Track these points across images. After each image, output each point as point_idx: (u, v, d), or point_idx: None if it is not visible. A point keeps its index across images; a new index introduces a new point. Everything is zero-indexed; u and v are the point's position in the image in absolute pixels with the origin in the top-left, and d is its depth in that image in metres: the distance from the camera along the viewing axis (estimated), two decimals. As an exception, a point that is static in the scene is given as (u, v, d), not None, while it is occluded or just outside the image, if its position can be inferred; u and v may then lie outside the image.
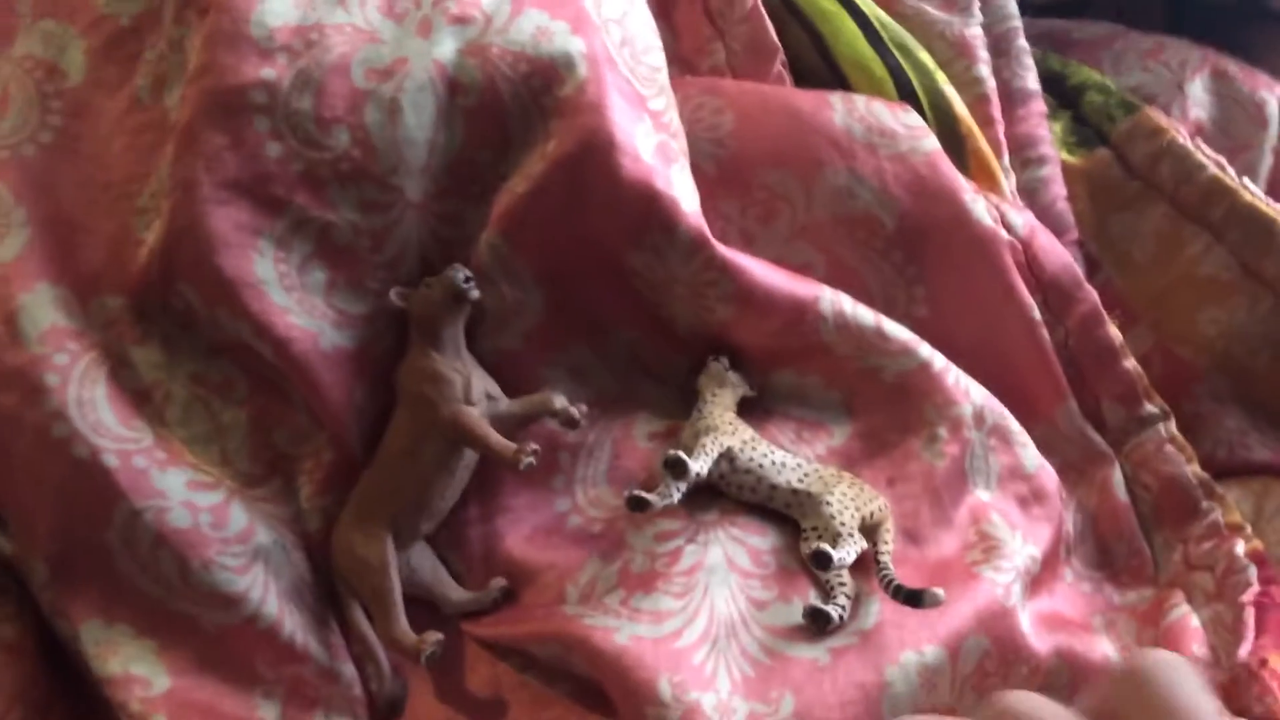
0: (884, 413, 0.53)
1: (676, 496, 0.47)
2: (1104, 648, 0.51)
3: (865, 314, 0.53)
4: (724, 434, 0.49)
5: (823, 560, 0.46)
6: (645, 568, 0.48)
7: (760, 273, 0.51)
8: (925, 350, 0.53)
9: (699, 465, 0.47)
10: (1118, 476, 0.56)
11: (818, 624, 0.46)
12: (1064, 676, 0.50)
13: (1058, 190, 0.66)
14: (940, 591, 0.46)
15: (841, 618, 0.46)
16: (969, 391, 0.53)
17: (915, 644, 0.46)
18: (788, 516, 0.50)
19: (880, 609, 0.47)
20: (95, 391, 0.47)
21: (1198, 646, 0.49)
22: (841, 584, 0.47)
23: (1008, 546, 0.51)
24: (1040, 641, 0.49)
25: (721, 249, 0.50)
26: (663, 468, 0.47)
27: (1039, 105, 0.68)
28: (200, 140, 0.47)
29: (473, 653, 0.50)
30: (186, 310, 0.48)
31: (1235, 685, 0.45)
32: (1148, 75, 0.73)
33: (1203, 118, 0.72)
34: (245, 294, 0.47)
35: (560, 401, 0.50)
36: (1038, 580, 0.53)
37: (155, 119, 0.50)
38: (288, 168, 0.47)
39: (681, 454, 0.47)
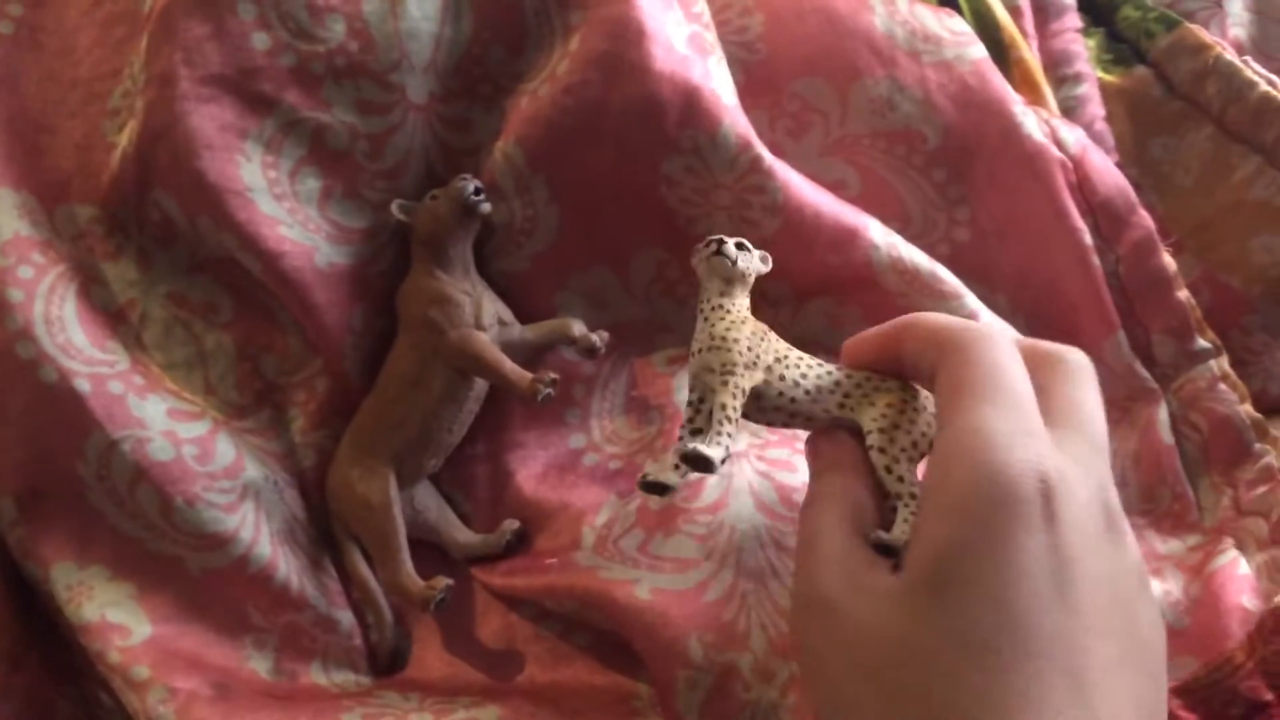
0: None
1: (717, 458, 0.39)
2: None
3: (919, 255, 0.49)
4: (740, 375, 0.39)
5: (885, 551, 0.36)
6: (664, 503, 0.44)
7: (805, 188, 0.47)
8: (972, 301, 0.49)
9: (721, 453, 0.38)
10: (1163, 415, 0.52)
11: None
12: None
13: (1095, 110, 0.62)
14: None
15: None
16: None
17: None
18: None
19: None
20: (64, 309, 0.42)
21: (1248, 597, 0.46)
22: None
23: None
24: None
25: (766, 153, 0.46)
26: (681, 462, 0.39)
27: (1074, 19, 0.64)
28: (178, 30, 0.42)
29: (483, 601, 0.47)
30: (164, 221, 0.43)
31: (1259, 633, 0.42)
32: (1184, -10, 0.68)
33: (1241, 36, 0.68)
34: (230, 202, 0.42)
35: (579, 328, 0.46)
36: None
37: (127, 9, 0.45)
38: (277, 61, 0.43)
39: (704, 450, 0.37)
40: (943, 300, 0.48)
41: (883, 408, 0.39)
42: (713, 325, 0.40)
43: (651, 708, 0.42)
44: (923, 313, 0.37)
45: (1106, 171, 0.52)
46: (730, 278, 0.40)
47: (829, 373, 0.40)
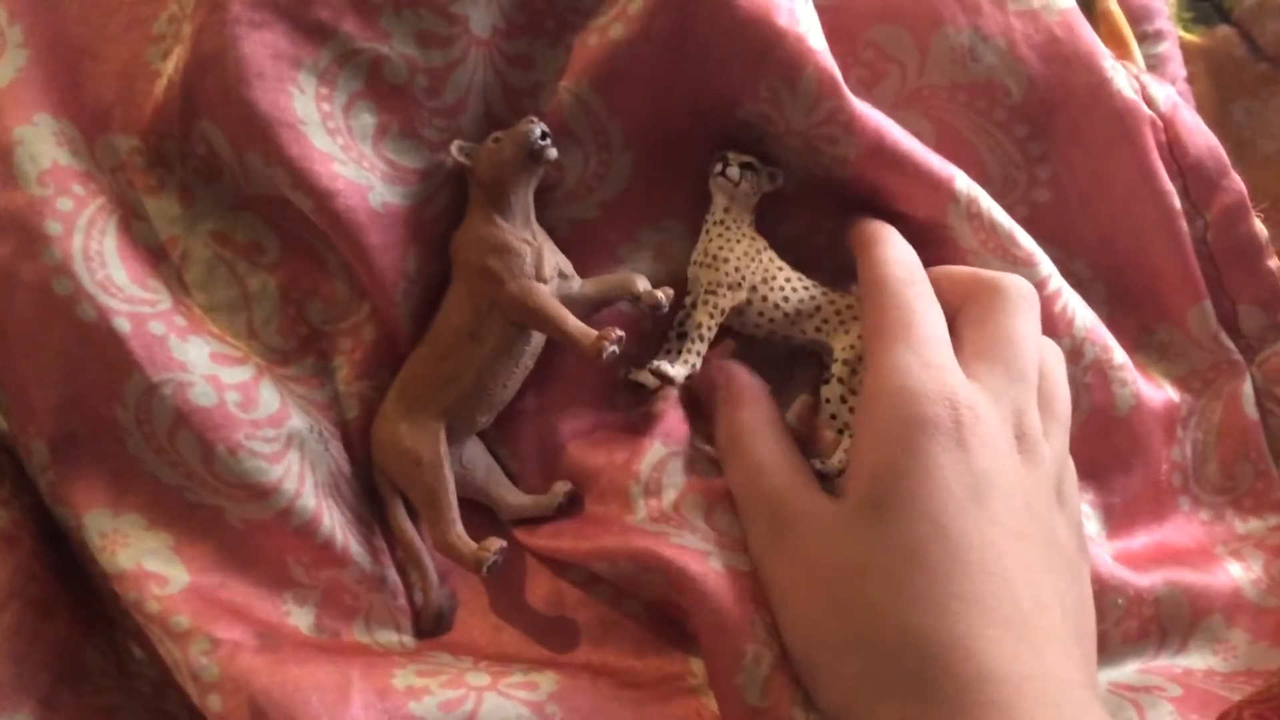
0: None
1: (679, 376, 0.44)
2: (1231, 572, 0.47)
3: (1000, 213, 0.46)
4: (722, 295, 0.44)
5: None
6: (714, 474, 0.43)
7: (897, 134, 0.45)
8: (1046, 268, 0.47)
9: (684, 370, 0.44)
10: (1248, 389, 0.50)
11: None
12: (1181, 605, 0.46)
13: (1177, 70, 0.60)
14: None
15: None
16: (1073, 321, 0.47)
17: None
18: None
19: None
20: (104, 243, 0.40)
21: None
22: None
23: None
24: (1140, 575, 0.45)
25: (854, 101, 0.43)
26: (650, 374, 0.44)
27: (1154, -27, 0.61)
28: None
29: (531, 564, 0.45)
30: (209, 155, 0.41)
31: None
32: (1270, -53, 0.65)
33: (1332, -4, 0.65)
34: (282, 135, 0.39)
35: (643, 284, 0.44)
36: (1129, 516, 0.49)
37: None
38: None
39: (666, 369, 0.43)
40: (1013, 265, 0.46)
41: (854, 338, 0.43)
42: (709, 241, 0.44)
43: (705, 686, 0.41)
44: (870, 231, 0.43)
45: (1198, 131, 0.49)
46: (733, 196, 0.44)
47: (812, 297, 0.44)
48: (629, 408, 0.46)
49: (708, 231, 0.45)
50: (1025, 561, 0.34)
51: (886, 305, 0.39)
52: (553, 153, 0.42)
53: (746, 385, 0.42)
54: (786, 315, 0.44)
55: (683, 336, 0.44)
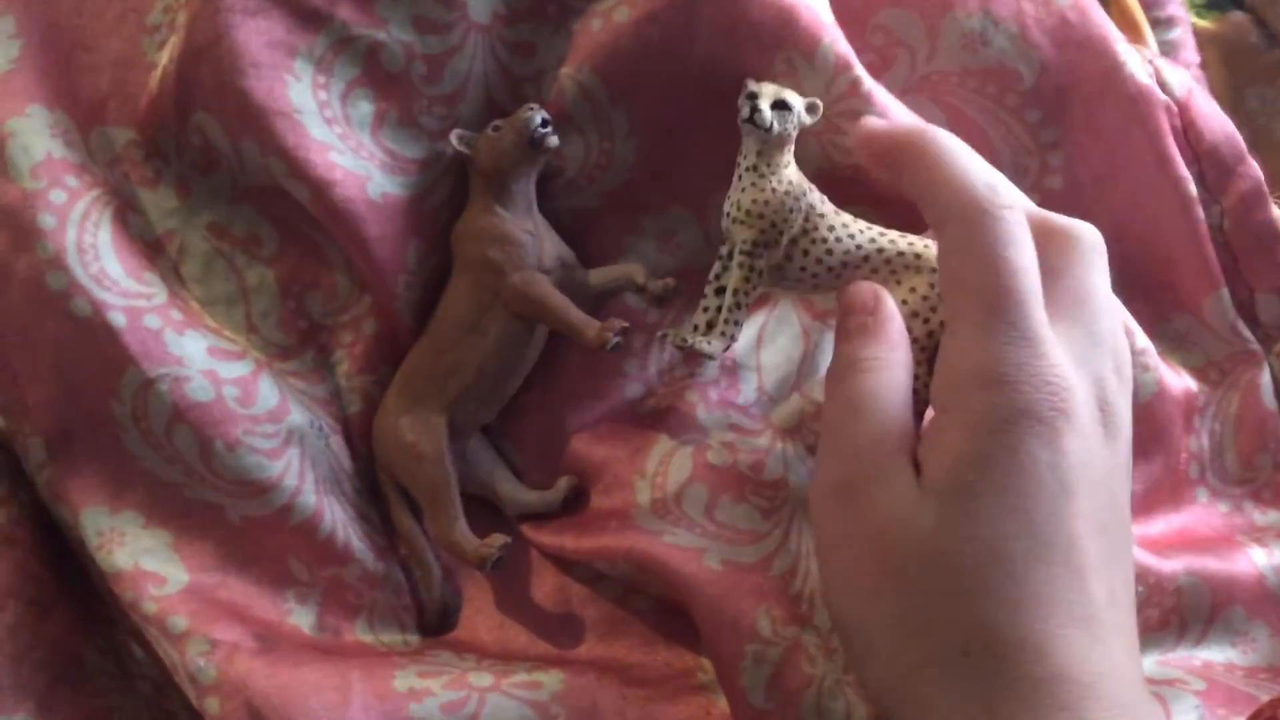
0: None
1: (716, 352, 0.40)
2: (1253, 559, 0.46)
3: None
4: (758, 256, 0.39)
5: None
6: (725, 461, 0.42)
7: (904, 113, 0.44)
8: None
9: (721, 346, 0.39)
10: (1266, 379, 0.49)
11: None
12: (1203, 595, 0.45)
13: (1190, 56, 0.59)
14: None
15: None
16: None
17: None
18: None
19: None
20: (99, 237, 0.39)
21: None
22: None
23: None
24: (1162, 561, 0.44)
25: (867, 77, 0.42)
26: (677, 347, 0.40)
27: (1166, -42, 0.60)
28: None
29: (537, 561, 0.44)
30: (205, 146, 0.41)
31: None
32: (1283, -67, 0.64)
33: (1346, -16, 0.64)
34: (278, 124, 0.39)
35: (644, 275, 0.43)
36: (1148, 503, 0.48)
37: None
38: None
39: (703, 347, 0.39)
40: None
41: (907, 291, 0.39)
42: (741, 192, 0.39)
43: (715, 683, 0.40)
44: (938, 140, 0.37)
45: (1214, 117, 0.48)
46: (765, 139, 0.39)
47: (858, 246, 0.39)
48: (639, 398, 0.45)
49: (740, 179, 0.40)
50: (1104, 556, 0.33)
51: (976, 255, 0.34)
52: (554, 140, 0.41)
53: (884, 320, 0.37)
54: (830, 269, 0.39)
55: (719, 292, 0.40)
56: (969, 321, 0.34)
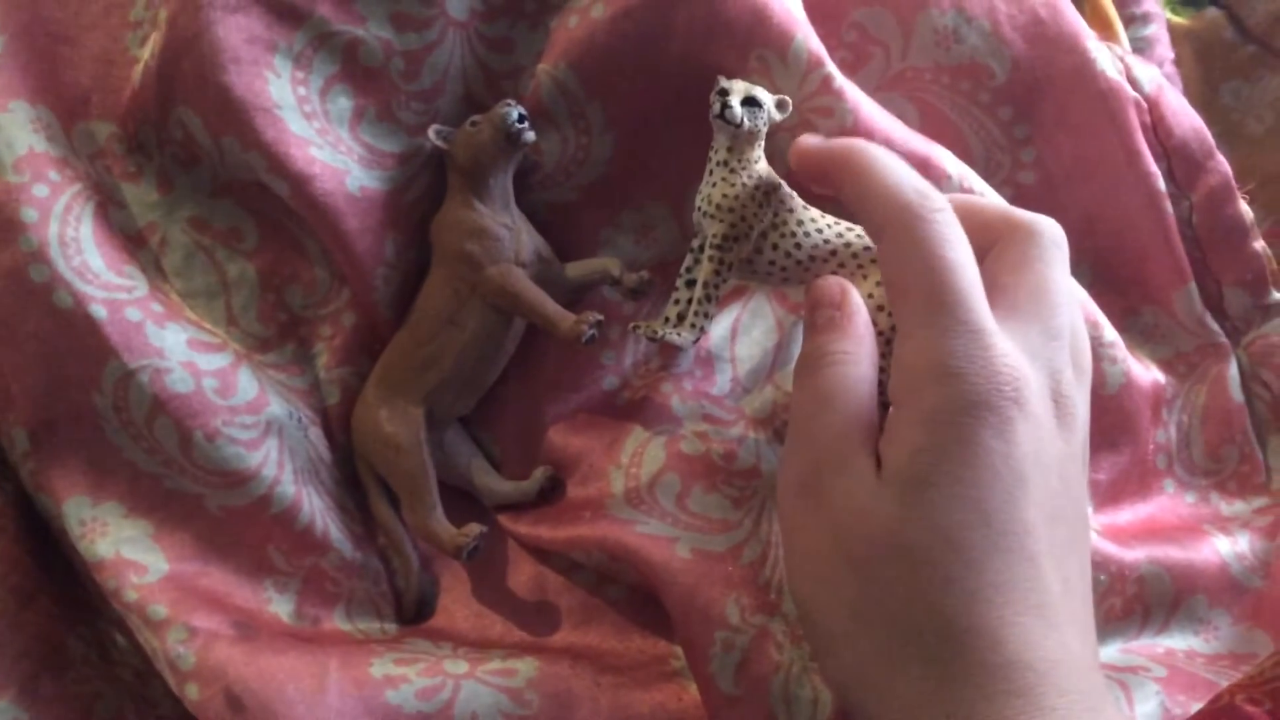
0: None
1: (687, 344, 0.41)
2: (1217, 547, 0.47)
3: (991, 192, 0.46)
4: (729, 247, 0.40)
5: None
6: (698, 451, 0.43)
7: (875, 112, 0.45)
8: None
9: (692, 337, 0.41)
10: (1233, 371, 0.51)
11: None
12: (1165, 584, 0.46)
13: (1164, 52, 0.59)
14: None
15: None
16: None
17: None
18: None
19: None
20: (81, 230, 0.40)
21: None
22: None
23: None
24: (1125, 550, 0.45)
25: (838, 73, 0.43)
26: (651, 340, 0.43)
27: (1142, -44, 0.61)
28: None
29: (514, 550, 0.45)
30: (186, 141, 0.41)
31: None
32: (1257, -70, 0.65)
33: (1319, -19, 0.65)
34: (258, 119, 0.40)
35: (620, 268, 0.44)
36: (1114, 493, 0.49)
37: None
38: None
39: (674, 339, 0.40)
40: None
41: (872, 285, 0.40)
42: (712, 187, 0.40)
43: (687, 670, 0.41)
44: (867, 153, 0.37)
45: (1183, 113, 0.49)
46: (735, 135, 0.40)
47: (826, 241, 0.41)
48: (615, 389, 0.46)
49: (711, 174, 0.42)
50: (1058, 543, 0.33)
51: (915, 258, 0.34)
52: (530, 135, 0.42)
53: (851, 314, 0.38)
54: (799, 263, 0.41)
55: (690, 285, 0.41)
56: (915, 320, 0.34)
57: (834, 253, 0.40)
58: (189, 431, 0.40)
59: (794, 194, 0.41)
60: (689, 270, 0.41)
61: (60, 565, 0.43)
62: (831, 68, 0.43)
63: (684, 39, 0.43)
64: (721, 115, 0.39)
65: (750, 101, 0.40)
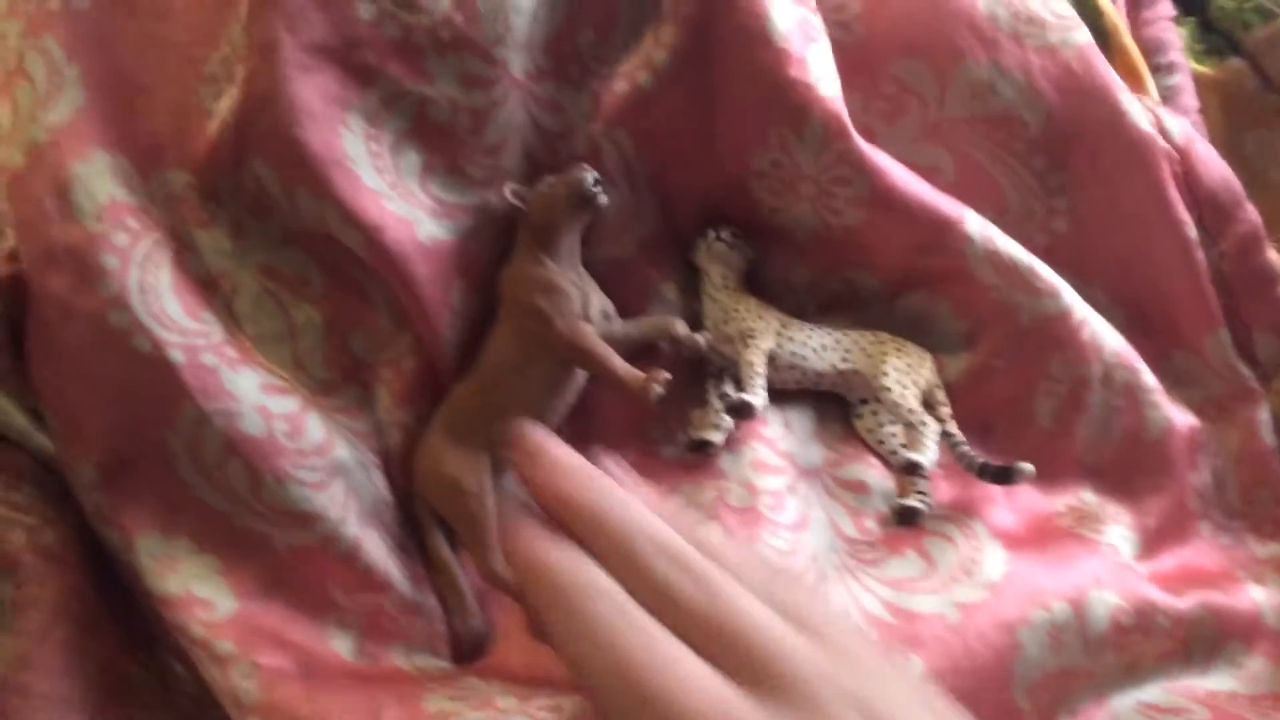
0: (1008, 355, 0.51)
1: (760, 403, 0.47)
2: (1252, 595, 0.50)
3: (1017, 249, 0.50)
4: (759, 336, 0.48)
5: (914, 468, 0.47)
6: (745, 502, 0.46)
7: (901, 178, 0.49)
8: (1069, 297, 0.50)
9: (761, 400, 0.47)
10: (1265, 416, 0.54)
11: (908, 520, 0.47)
12: (1209, 629, 0.49)
13: (1190, 101, 0.63)
14: (1029, 466, 0.47)
15: (929, 506, 0.47)
16: (1102, 348, 0.51)
17: (1044, 601, 0.44)
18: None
19: (1005, 556, 0.45)
20: (159, 277, 0.43)
21: None
22: (924, 476, 0.48)
23: (1098, 519, 0.50)
24: (1176, 596, 0.48)
25: (861, 143, 0.47)
26: (727, 413, 0.47)
27: (1167, 7, 0.65)
28: None
29: None
30: (259, 192, 0.44)
31: None
32: (1278, -19, 0.69)
33: (1342, 31, 0.68)
34: (332, 173, 0.43)
35: (682, 327, 0.47)
36: (1160, 538, 0.52)
37: None
38: (381, 32, 0.44)
39: (747, 398, 0.46)
40: (1037, 297, 0.49)
41: (879, 357, 0.49)
42: (722, 302, 0.49)
43: None
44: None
45: (1212, 163, 0.53)
46: (729, 261, 0.49)
47: (827, 332, 0.50)
48: (661, 443, 0.49)
49: (713, 299, 0.49)
50: None
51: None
52: (604, 199, 0.45)
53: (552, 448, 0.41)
54: (815, 351, 0.48)
55: (725, 399, 0.47)
56: None
57: (838, 341, 0.50)
58: (259, 473, 0.43)
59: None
60: (719, 393, 0.49)
61: (118, 595, 0.45)
62: (852, 140, 0.47)
63: (716, 111, 0.47)
64: (718, 239, 0.49)
65: (736, 235, 0.50)
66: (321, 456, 0.44)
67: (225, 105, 0.44)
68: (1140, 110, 0.52)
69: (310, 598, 0.44)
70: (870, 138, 0.50)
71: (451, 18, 0.44)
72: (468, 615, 0.47)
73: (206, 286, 0.45)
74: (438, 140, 0.45)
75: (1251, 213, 0.53)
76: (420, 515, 0.47)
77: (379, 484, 0.47)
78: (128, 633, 0.45)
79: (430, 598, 0.47)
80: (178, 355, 0.42)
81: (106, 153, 0.44)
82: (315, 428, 0.44)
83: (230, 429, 0.43)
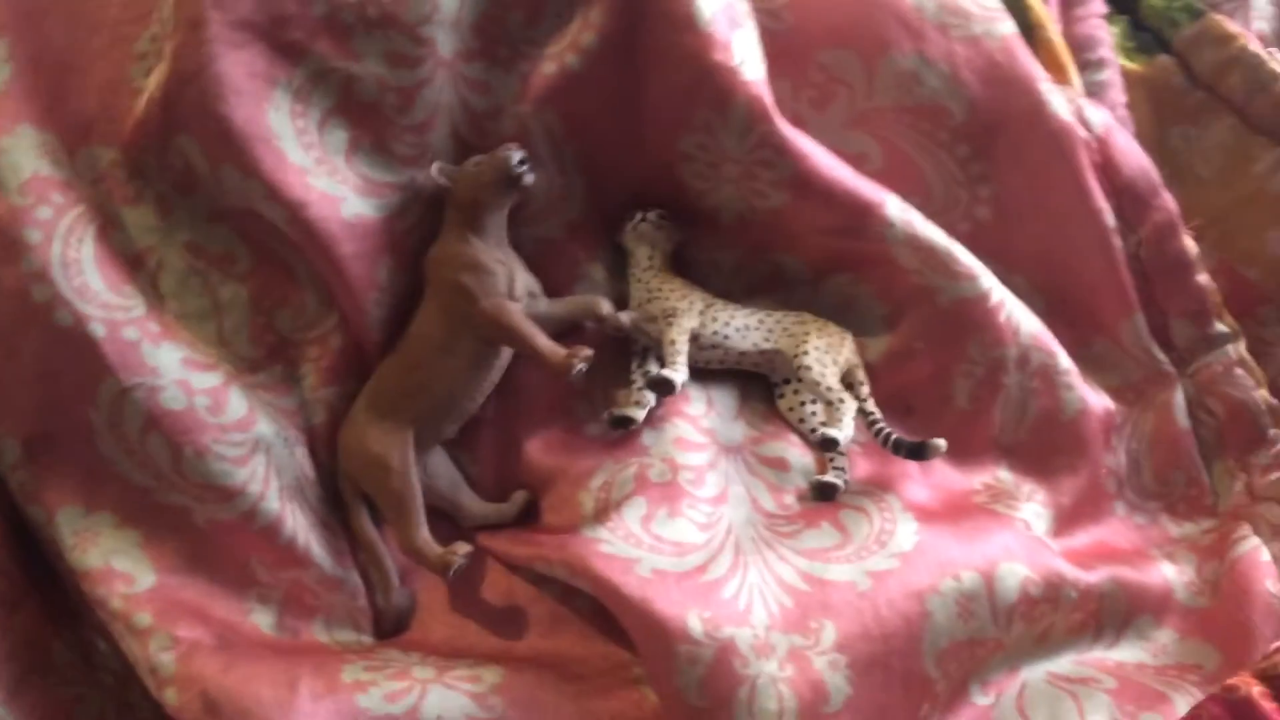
0: (927, 337, 0.52)
1: (679, 379, 0.48)
2: (1164, 572, 0.51)
3: (937, 233, 0.51)
4: (682, 316, 0.49)
5: (830, 444, 0.48)
6: (666, 478, 0.47)
7: (824, 162, 0.49)
8: (987, 281, 0.52)
9: (682, 377, 0.47)
10: (1179, 399, 0.55)
11: (825, 496, 0.48)
12: (1119, 603, 0.50)
13: (1118, 96, 0.64)
14: (941, 441, 0.48)
15: (846, 482, 0.48)
16: (1018, 330, 0.52)
17: (954, 571, 0.45)
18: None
19: (917, 528, 0.46)
20: (82, 251, 0.44)
21: (1271, 582, 0.49)
22: (842, 453, 0.49)
23: (1013, 496, 0.51)
24: (1087, 571, 0.49)
25: (784, 127, 0.48)
26: (648, 389, 0.48)
27: (1098, 5, 0.66)
28: None
29: (489, 563, 0.49)
30: (186, 169, 0.45)
31: None
32: (1209, -20, 0.70)
33: (1265, 29, 0.70)
34: (257, 149, 0.44)
35: (607, 306, 0.48)
36: (1074, 516, 0.53)
37: None
38: (308, 10, 0.45)
39: (668, 374, 0.47)
40: (955, 280, 0.51)
41: (800, 337, 0.50)
42: (648, 283, 0.50)
43: (648, 677, 0.44)
44: None
45: (1131, 153, 0.54)
46: (655, 242, 0.50)
47: (750, 313, 0.50)
48: (586, 420, 0.50)
49: (639, 280, 0.50)
50: None
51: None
52: (530, 178, 0.46)
53: None
54: (738, 330, 0.50)
55: (647, 375, 0.49)
56: None
57: (760, 321, 0.51)
58: (180, 447, 0.44)
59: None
60: (643, 371, 0.50)
61: (44, 572, 0.46)
62: (775, 123, 0.48)
63: (643, 93, 0.48)
64: (644, 220, 0.50)
65: (663, 217, 0.51)
66: (243, 432, 0.45)
67: (153, 81, 0.44)
68: (1062, 101, 0.53)
69: (231, 572, 0.45)
70: (801, 125, 0.51)
71: None
72: (391, 591, 0.47)
73: (131, 262, 0.45)
74: (365, 118, 0.46)
75: (1168, 201, 0.55)
76: (344, 491, 0.48)
77: (302, 460, 0.47)
78: (52, 610, 0.46)
79: (352, 573, 0.48)
80: (99, 329, 0.43)
81: (33, 127, 0.45)
82: (238, 403, 0.45)
83: (151, 403, 0.43)
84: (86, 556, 0.43)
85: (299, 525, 0.46)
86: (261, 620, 0.45)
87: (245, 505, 0.45)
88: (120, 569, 0.43)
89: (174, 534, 0.44)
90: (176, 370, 0.44)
